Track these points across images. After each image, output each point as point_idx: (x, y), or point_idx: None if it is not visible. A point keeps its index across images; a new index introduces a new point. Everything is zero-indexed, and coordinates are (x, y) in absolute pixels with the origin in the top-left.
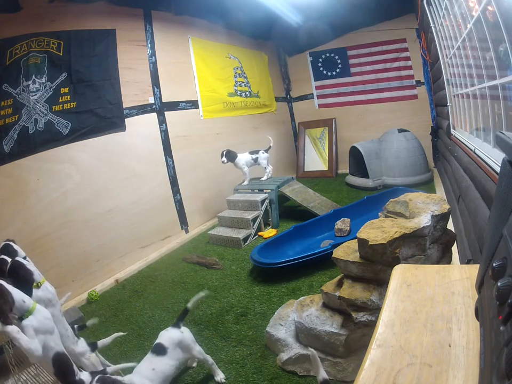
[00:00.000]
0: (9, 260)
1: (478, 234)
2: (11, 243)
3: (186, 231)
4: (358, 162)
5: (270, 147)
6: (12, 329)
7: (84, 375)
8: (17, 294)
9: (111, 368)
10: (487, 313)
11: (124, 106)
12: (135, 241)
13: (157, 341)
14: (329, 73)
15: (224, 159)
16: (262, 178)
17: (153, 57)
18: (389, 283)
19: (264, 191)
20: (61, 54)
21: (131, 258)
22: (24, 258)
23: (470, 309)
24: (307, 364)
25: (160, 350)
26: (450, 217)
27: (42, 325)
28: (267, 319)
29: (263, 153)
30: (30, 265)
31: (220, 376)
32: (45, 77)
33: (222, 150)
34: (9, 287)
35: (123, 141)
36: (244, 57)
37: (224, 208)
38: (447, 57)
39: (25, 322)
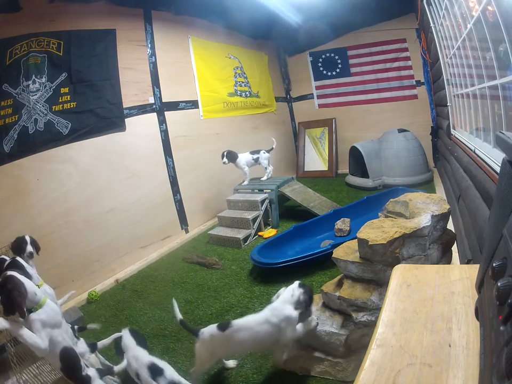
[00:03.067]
0: (8, 258)
1: (478, 234)
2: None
3: (186, 231)
4: (358, 162)
5: (272, 148)
6: (15, 326)
7: (91, 371)
8: (29, 285)
9: (119, 366)
10: (487, 313)
11: (124, 106)
12: (135, 241)
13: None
14: (329, 73)
15: (225, 159)
16: (262, 178)
17: (153, 57)
18: (389, 283)
19: (264, 191)
20: (61, 54)
21: (131, 258)
22: (31, 254)
23: (470, 309)
24: (307, 364)
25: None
26: (450, 217)
27: (50, 318)
28: None
29: (264, 153)
30: (29, 267)
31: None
32: (45, 77)
33: (223, 151)
34: (22, 278)
35: (123, 141)
36: (243, 57)
37: (224, 208)
38: (447, 57)
39: (33, 316)
